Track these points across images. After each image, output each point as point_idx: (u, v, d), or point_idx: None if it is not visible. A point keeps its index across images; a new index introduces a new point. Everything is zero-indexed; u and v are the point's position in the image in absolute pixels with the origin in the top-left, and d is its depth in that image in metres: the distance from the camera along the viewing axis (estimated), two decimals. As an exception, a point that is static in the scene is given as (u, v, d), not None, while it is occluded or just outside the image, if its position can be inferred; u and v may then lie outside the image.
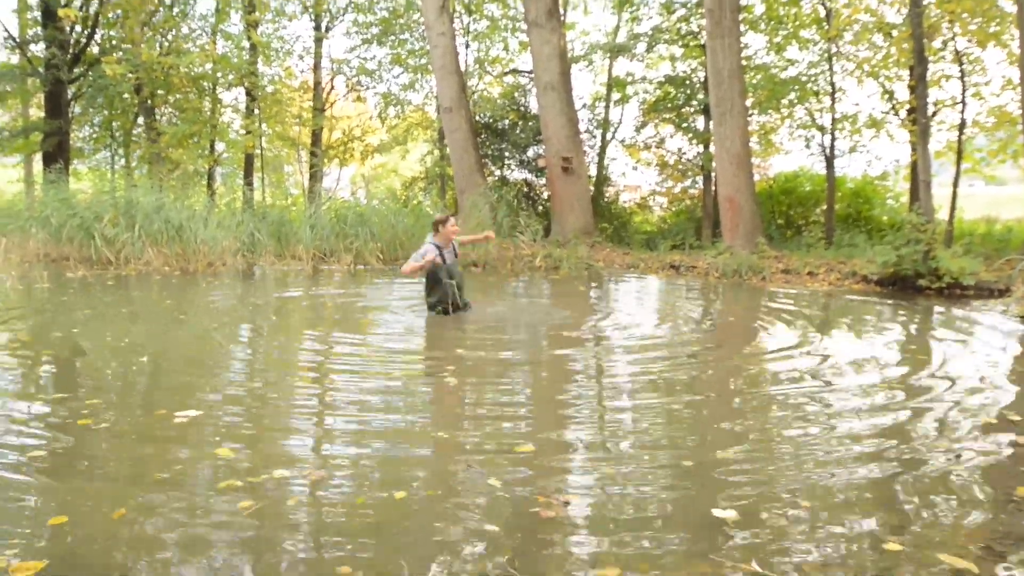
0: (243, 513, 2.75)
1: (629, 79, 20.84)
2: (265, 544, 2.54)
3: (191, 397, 4.43)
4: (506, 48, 22.60)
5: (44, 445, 3.51)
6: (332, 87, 22.97)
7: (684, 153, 20.57)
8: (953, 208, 16.63)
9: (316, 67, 22.22)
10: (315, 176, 21.75)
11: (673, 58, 20.19)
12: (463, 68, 18.85)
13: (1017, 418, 4.11)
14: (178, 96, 21.25)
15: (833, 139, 18.14)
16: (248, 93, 21.02)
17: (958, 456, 3.47)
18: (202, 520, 2.72)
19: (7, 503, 2.87)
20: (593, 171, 20.50)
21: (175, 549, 2.50)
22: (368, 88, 23.46)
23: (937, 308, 8.63)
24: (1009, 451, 3.54)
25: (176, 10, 21.11)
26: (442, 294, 7.44)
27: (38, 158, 21.89)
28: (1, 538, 2.54)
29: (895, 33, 15.63)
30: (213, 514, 2.77)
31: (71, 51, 19.87)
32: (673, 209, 21.91)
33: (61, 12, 16.83)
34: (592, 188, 19.09)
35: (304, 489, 3.03)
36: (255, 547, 2.52)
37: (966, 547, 2.54)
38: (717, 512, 2.81)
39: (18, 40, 20.65)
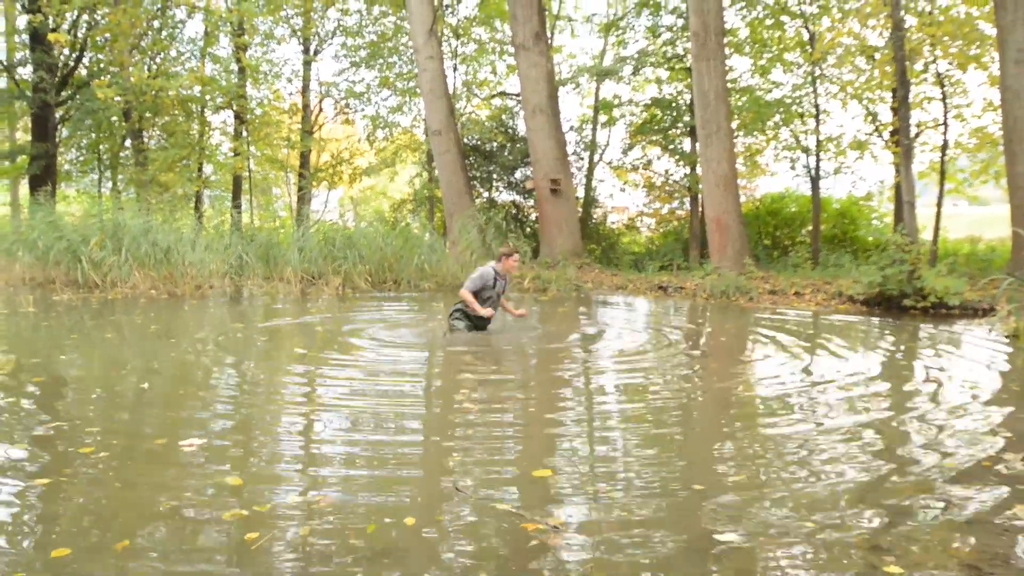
0: (251, 546, 2.69)
1: (616, 101, 21.03)
2: None
3: (190, 425, 4.37)
4: (494, 71, 22.80)
5: (45, 474, 3.42)
6: (320, 110, 23.06)
7: (671, 175, 20.74)
8: (937, 228, 16.82)
9: (304, 90, 22.32)
10: (303, 198, 21.78)
11: (659, 81, 20.41)
12: (451, 91, 18.97)
13: (1009, 435, 4.14)
14: (166, 119, 21.26)
15: (818, 160, 18.33)
16: (237, 116, 21.07)
17: (949, 475, 3.48)
18: (208, 552, 2.68)
19: (8, 535, 2.81)
20: (581, 193, 20.62)
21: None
22: (356, 111, 23.58)
23: (923, 327, 8.68)
24: (999, 469, 3.55)
25: (164, 33, 21.19)
26: (477, 319, 7.65)
27: (25, 181, 21.82)
28: (2, 572, 2.50)
29: (878, 56, 15.86)
30: (219, 546, 2.73)
31: (59, 74, 19.88)
32: (661, 230, 22.06)
33: (51, 36, 16.86)
34: (580, 210, 19.20)
35: (313, 517, 2.97)
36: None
37: (959, 569, 2.55)
38: (718, 536, 2.81)
39: (5, 63, 20.65)
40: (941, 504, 3.15)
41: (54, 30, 18.08)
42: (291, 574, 2.52)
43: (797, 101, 18.38)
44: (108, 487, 3.31)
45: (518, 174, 19.82)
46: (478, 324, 7.68)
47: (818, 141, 18.35)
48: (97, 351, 7.00)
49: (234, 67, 20.69)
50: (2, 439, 4.00)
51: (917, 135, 16.54)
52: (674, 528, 2.93)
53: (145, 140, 21.42)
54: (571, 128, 21.29)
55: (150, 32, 20.50)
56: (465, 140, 19.36)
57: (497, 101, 22.54)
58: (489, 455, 3.88)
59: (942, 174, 16.61)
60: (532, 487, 3.36)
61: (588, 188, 21.25)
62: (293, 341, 7.96)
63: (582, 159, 21.38)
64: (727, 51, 15.81)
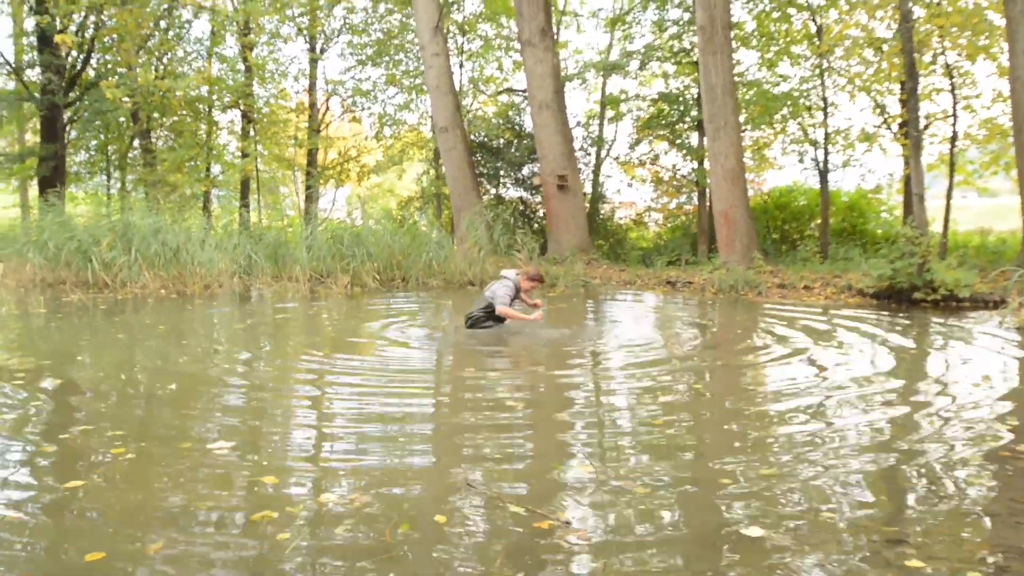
0: (284, 547, 2.70)
1: (623, 97, 20.98)
2: None
3: (213, 426, 4.40)
4: (500, 67, 22.77)
5: (77, 476, 3.40)
6: (327, 108, 23.08)
7: (678, 169, 20.68)
8: (947, 220, 16.71)
9: (311, 88, 22.35)
10: (311, 197, 21.81)
11: (666, 75, 20.34)
12: (457, 88, 18.95)
13: (1021, 427, 4.12)
14: (174, 119, 21.33)
15: (826, 154, 18.25)
16: (244, 115, 21.12)
17: (964, 469, 3.47)
18: (242, 553, 2.69)
19: (42, 538, 2.83)
20: (588, 188, 20.59)
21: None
22: (363, 109, 23.59)
23: (933, 320, 8.65)
24: (1013, 462, 3.54)
25: (171, 33, 21.24)
26: (498, 318, 7.64)
27: (34, 183, 21.93)
28: (38, 574, 2.51)
29: (886, 48, 15.76)
30: (253, 547, 2.73)
31: (67, 76, 19.95)
32: (668, 225, 22.00)
33: (58, 38, 16.91)
34: (587, 205, 19.16)
35: (347, 517, 2.98)
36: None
37: (976, 562, 2.54)
38: (734, 531, 2.81)
39: (14, 65, 20.73)
40: (956, 498, 3.14)
41: (61, 31, 18.14)
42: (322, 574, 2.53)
43: (805, 94, 18.29)
44: (140, 489, 3.30)
45: (525, 170, 19.78)
46: (499, 321, 7.68)
47: (826, 134, 18.26)
48: (112, 352, 7.03)
49: (240, 66, 20.74)
50: (30, 442, 4.03)
51: (926, 127, 16.44)
52: (688, 522, 2.94)
53: (153, 140, 21.49)
54: (578, 124, 21.25)
55: (157, 32, 20.55)
56: (472, 137, 19.35)
57: (503, 97, 22.51)
58: (501, 451, 3.89)
59: (951, 166, 16.50)
60: (544, 483, 3.37)
61: (595, 184, 21.21)
62: (308, 340, 7.98)
63: (589, 155, 21.34)
64: (734, 44, 15.75)
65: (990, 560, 2.56)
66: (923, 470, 3.49)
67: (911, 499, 3.13)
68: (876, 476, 3.40)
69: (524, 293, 7.87)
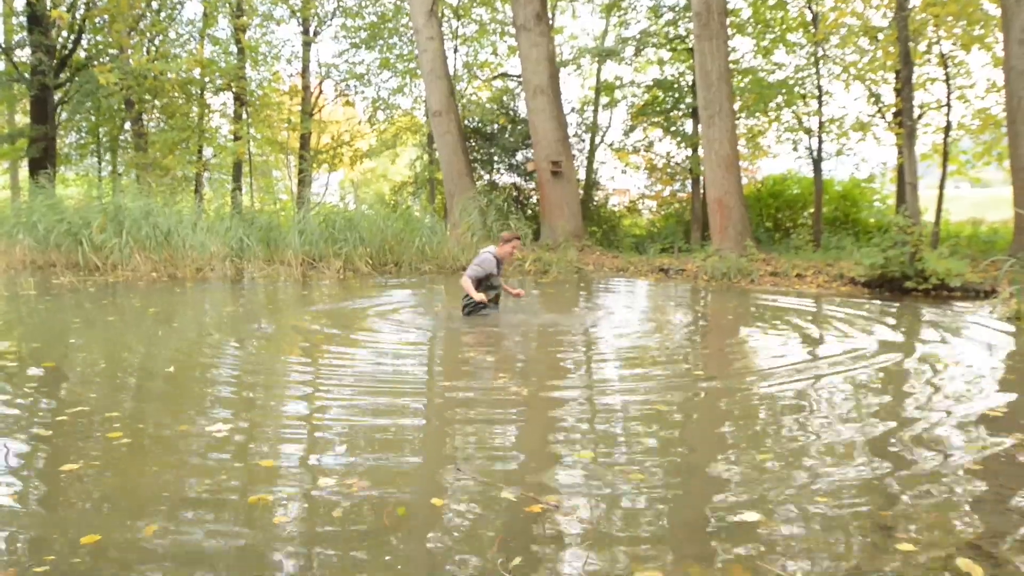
0: (280, 529, 2.70)
1: (618, 83, 20.94)
2: (301, 559, 2.52)
3: (209, 410, 4.38)
4: (495, 52, 22.67)
5: (73, 460, 3.38)
6: (320, 91, 22.94)
7: (673, 156, 20.68)
8: (939, 210, 16.78)
9: (304, 71, 22.21)
10: (304, 181, 21.72)
11: (661, 62, 20.30)
12: (452, 72, 18.87)
13: (1010, 416, 4.14)
14: (166, 101, 21.18)
15: (820, 142, 18.27)
16: (236, 98, 20.99)
17: (952, 456, 3.49)
18: (239, 536, 2.68)
19: (38, 520, 2.82)
20: (582, 175, 20.57)
21: (209, 565, 2.46)
22: (357, 92, 23.47)
23: (924, 309, 8.69)
24: (1001, 450, 3.56)
25: (163, 15, 21.05)
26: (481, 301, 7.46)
27: (24, 164, 21.77)
28: (32, 557, 2.50)
29: (881, 36, 15.76)
30: (250, 529, 2.72)
31: (57, 56, 19.77)
32: (662, 212, 22.03)
33: (54, 13, 16.72)
34: (581, 192, 19.15)
35: (346, 500, 2.97)
36: (291, 562, 2.50)
37: (963, 548, 2.56)
38: (723, 516, 2.82)
39: (4, 46, 20.52)
40: (946, 485, 3.16)
41: (54, 7, 17.95)
42: (318, 557, 2.53)
43: (800, 82, 18.30)
44: (136, 471, 3.29)
45: (519, 156, 19.75)
46: (487, 305, 7.63)
47: (820, 122, 18.29)
48: (103, 335, 7.00)
49: (233, 49, 20.58)
50: (26, 424, 4.00)
51: (920, 116, 16.47)
52: (677, 507, 2.94)
53: (144, 123, 21.35)
54: (572, 110, 21.22)
55: (148, 13, 20.36)
56: (466, 122, 19.29)
57: (498, 82, 22.44)
58: (491, 436, 3.89)
59: (945, 155, 16.56)
60: (534, 467, 3.38)
61: (589, 170, 21.19)
62: (300, 324, 7.96)
63: (583, 141, 21.32)
64: (729, 32, 15.71)
65: (979, 546, 2.58)
66: (913, 458, 3.51)
67: (901, 486, 3.14)
68: (866, 463, 3.42)
69: (506, 260, 7.79)
